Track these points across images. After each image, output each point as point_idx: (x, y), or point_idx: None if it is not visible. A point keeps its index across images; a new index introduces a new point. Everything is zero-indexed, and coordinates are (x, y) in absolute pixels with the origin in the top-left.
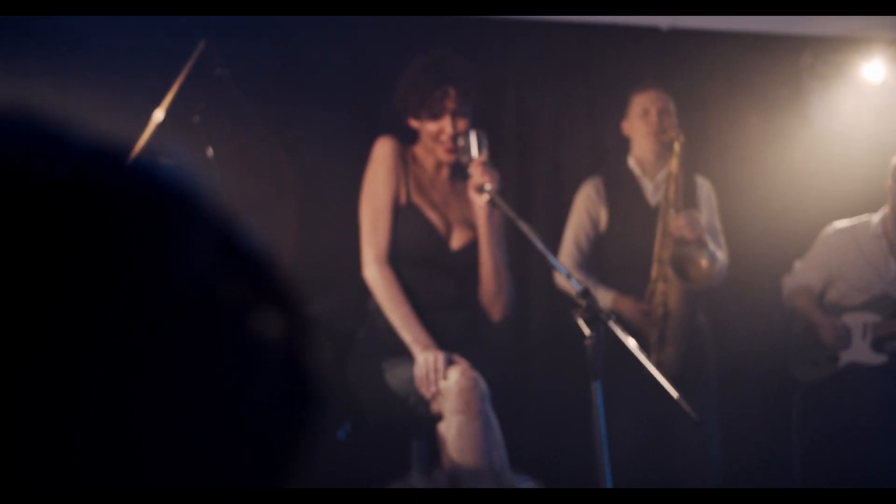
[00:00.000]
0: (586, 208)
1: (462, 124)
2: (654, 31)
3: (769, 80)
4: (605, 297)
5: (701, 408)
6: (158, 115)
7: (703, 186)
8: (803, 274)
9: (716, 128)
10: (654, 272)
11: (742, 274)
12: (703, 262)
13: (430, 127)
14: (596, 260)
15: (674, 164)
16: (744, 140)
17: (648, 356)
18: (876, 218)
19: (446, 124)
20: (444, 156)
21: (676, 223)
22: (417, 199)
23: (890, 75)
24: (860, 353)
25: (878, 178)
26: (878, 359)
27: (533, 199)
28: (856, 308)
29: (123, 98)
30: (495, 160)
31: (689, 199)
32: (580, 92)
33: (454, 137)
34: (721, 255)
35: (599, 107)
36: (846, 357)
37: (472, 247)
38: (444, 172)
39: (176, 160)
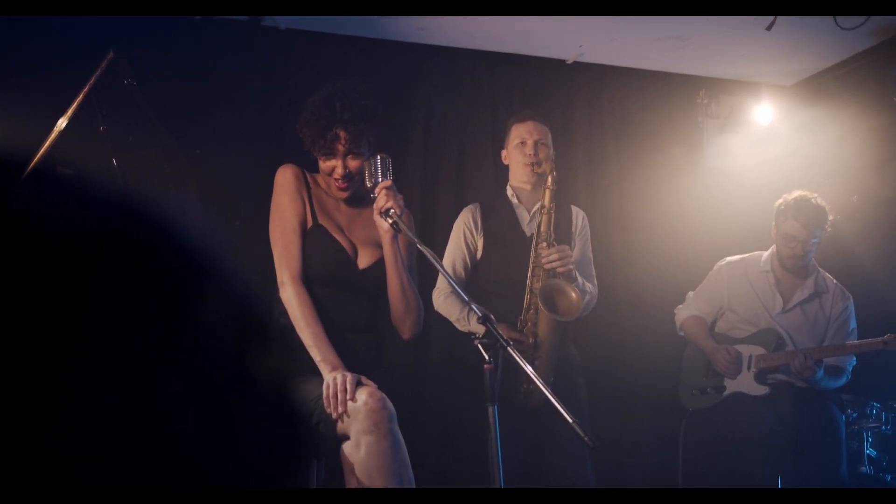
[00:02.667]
0: (464, 236)
1: (354, 165)
2: (558, 63)
3: (666, 116)
4: (478, 323)
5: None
6: (62, 122)
7: (579, 216)
8: (696, 305)
9: (614, 158)
10: (525, 301)
11: (637, 304)
12: (573, 295)
13: (323, 164)
14: (471, 286)
15: (546, 197)
16: (641, 170)
17: (519, 385)
18: (765, 254)
19: (338, 165)
20: (336, 192)
21: (548, 257)
22: (323, 221)
23: (777, 118)
24: (744, 383)
25: (765, 215)
26: (760, 390)
27: (436, 222)
28: (742, 340)
29: (29, 104)
30: (401, 183)
31: (564, 229)
32: (485, 118)
33: (345, 176)
34: (590, 286)
35: (503, 134)
36: (731, 387)
37: (379, 265)
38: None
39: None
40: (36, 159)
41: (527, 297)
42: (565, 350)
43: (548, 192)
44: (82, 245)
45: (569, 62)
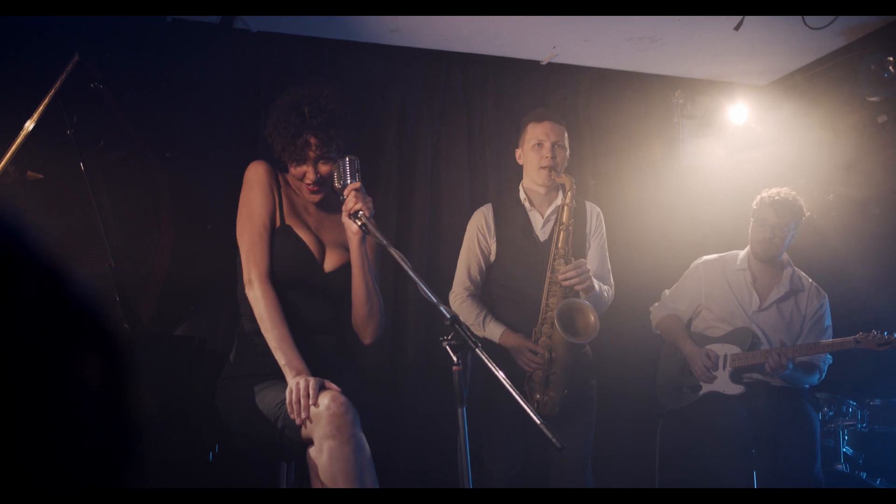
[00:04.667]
0: (477, 240)
1: (325, 169)
2: (533, 64)
3: (641, 117)
4: (494, 331)
5: (581, 434)
6: (29, 125)
7: (593, 214)
8: (673, 303)
9: (591, 159)
10: (541, 315)
11: (614, 303)
12: (591, 318)
13: (294, 170)
14: (483, 291)
15: (565, 214)
16: (617, 171)
17: (533, 394)
18: (741, 253)
19: (309, 170)
20: (308, 196)
21: (565, 274)
22: (291, 221)
23: (752, 118)
24: (720, 383)
25: (741, 215)
26: (735, 389)
27: (412, 224)
28: (717, 339)
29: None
30: (376, 185)
31: (578, 228)
32: (460, 120)
33: (317, 181)
34: (607, 288)
35: (477, 135)
36: (706, 387)
37: (345, 269)
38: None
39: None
40: (4, 161)
41: (542, 310)
42: (580, 349)
43: (566, 209)
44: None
45: (543, 63)
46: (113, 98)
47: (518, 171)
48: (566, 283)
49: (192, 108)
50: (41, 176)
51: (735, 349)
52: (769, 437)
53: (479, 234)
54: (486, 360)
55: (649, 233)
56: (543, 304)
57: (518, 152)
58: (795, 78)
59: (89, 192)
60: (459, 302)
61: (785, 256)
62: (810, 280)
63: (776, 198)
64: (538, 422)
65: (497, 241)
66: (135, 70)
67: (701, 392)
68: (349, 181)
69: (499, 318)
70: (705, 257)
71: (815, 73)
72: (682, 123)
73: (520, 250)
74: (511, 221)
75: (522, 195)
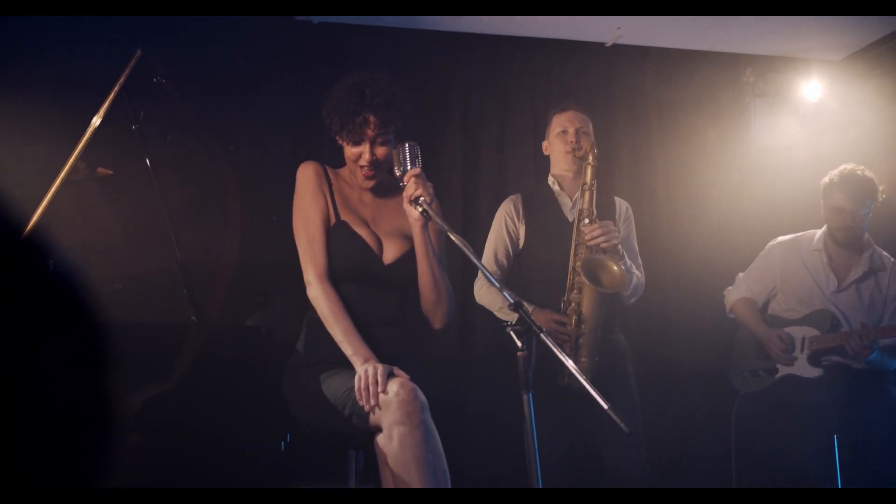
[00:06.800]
0: (505, 225)
1: (382, 152)
2: (598, 47)
3: (712, 97)
4: (509, 310)
5: (629, 419)
6: (96, 120)
7: (622, 206)
8: (747, 286)
9: (658, 142)
10: (568, 282)
11: (685, 285)
12: (615, 268)
13: (350, 151)
14: (515, 274)
15: (588, 174)
16: (687, 153)
17: (564, 367)
18: (818, 233)
19: (365, 150)
20: (362, 182)
21: (591, 233)
22: (346, 217)
23: (827, 95)
24: (797, 366)
25: (817, 195)
26: (813, 372)
27: (477, 210)
28: (795, 321)
29: (67, 103)
30: (441, 174)
31: (606, 218)
32: (524, 106)
33: (372, 163)
34: (637, 272)
35: (543, 119)
36: (783, 370)
37: (405, 259)
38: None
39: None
40: (73, 157)
41: (569, 277)
42: (612, 336)
43: (589, 169)
44: None
45: (608, 45)
46: (176, 92)
47: None
48: (592, 242)
49: (253, 101)
50: (111, 172)
51: (814, 331)
52: (850, 420)
53: (508, 218)
54: (552, 345)
55: (722, 216)
56: (570, 271)
57: (545, 144)
58: (873, 51)
59: (155, 186)
60: (486, 288)
61: (866, 236)
62: (892, 259)
63: (846, 180)
64: (605, 406)
65: (526, 224)
66: (196, 64)
67: (777, 375)
68: (409, 167)
69: (532, 301)
70: (780, 238)
71: (893, 45)
72: (753, 102)
73: (549, 231)
74: (540, 205)
75: (551, 181)
